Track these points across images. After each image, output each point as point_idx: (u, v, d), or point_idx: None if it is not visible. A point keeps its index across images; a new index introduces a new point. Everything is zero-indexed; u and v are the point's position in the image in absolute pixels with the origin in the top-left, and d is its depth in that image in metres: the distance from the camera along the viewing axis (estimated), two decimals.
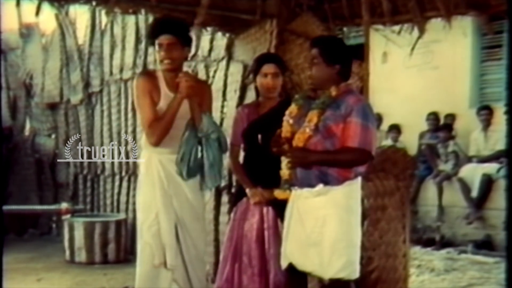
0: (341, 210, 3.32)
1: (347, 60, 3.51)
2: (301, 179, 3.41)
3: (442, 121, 9.04)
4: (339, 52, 3.46)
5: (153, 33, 3.78)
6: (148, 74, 3.89)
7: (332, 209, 3.31)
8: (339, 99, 3.36)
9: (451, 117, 8.94)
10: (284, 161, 3.48)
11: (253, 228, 3.88)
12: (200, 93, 3.77)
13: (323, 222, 3.32)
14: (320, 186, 3.35)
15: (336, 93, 3.39)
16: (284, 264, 3.55)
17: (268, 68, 3.91)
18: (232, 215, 4.02)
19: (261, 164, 3.86)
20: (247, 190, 3.89)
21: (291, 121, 3.51)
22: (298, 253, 3.43)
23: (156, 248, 3.71)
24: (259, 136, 3.89)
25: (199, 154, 3.74)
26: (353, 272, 3.37)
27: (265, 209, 3.87)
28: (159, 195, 3.71)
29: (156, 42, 3.72)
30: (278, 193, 3.57)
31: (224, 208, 5.32)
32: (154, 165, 3.74)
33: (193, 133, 3.70)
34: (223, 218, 5.25)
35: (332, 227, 3.30)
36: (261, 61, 4.03)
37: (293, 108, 3.56)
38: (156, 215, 3.71)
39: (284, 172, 3.49)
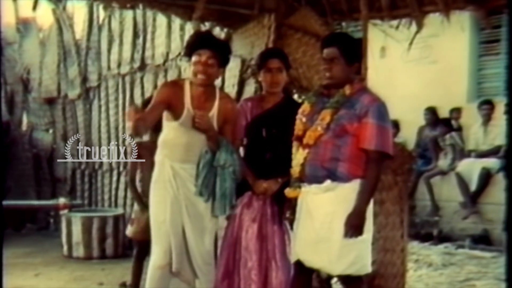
0: (350, 206, 3.30)
1: (362, 57, 3.55)
2: (310, 176, 3.40)
3: (440, 116, 9.02)
4: (358, 51, 3.48)
5: (195, 46, 3.70)
6: (174, 85, 3.84)
7: (340, 205, 3.30)
8: (353, 98, 3.35)
9: (457, 110, 8.86)
10: (295, 159, 3.48)
11: (254, 223, 3.86)
12: (225, 112, 3.77)
13: (331, 218, 3.31)
14: (328, 182, 3.34)
15: (350, 91, 3.37)
16: (292, 260, 3.55)
17: (272, 63, 3.89)
18: (234, 210, 3.99)
19: (264, 158, 3.85)
20: (251, 182, 3.87)
21: (304, 119, 3.49)
22: (307, 249, 3.41)
23: (163, 250, 3.73)
24: (263, 130, 3.88)
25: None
26: (363, 267, 3.37)
27: (266, 204, 3.85)
28: (169, 199, 3.71)
29: (195, 55, 3.65)
30: (289, 192, 3.56)
31: None
32: (166, 169, 3.75)
33: (212, 159, 3.70)
34: None
35: (340, 223, 3.28)
36: (265, 56, 4.02)
37: (306, 106, 3.54)
38: (165, 218, 3.73)
39: (295, 170, 3.48)
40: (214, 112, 3.75)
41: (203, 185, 3.70)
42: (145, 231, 4.60)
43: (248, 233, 3.86)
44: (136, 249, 4.85)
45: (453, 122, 8.75)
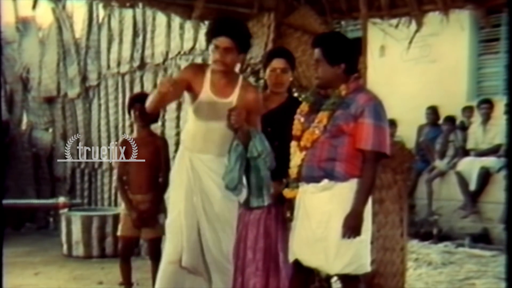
0: (347, 205, 3.29)
1: (352, 57, 3.47)
2: (307, 176, 3.40)
3: (440, 115, 9.02)
4: (343, 51, 3.41)
5: (213, 33, 3.63)
6: (199, 68, 3.80)
7: (337, 204, 3.30)
8: (349, 98, 3.33)
9: (469, 109, 8.80)
10: (293, 160, 3.48)
11: (259, 223, 3.85)
12: (248, 102, 3.67)
13: (328, 217, 3.31)
14: (326, 181, 3.34)
15: (345, 92, 3.35)
16: (290, 259, 3.54)
17: (277, 63, 3.88)
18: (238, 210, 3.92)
19: None
20: None
21: (302, 119, 3.49)
22: (304, 248, 3.41)
23: (174, 244, 3.68)
24: (269, 130, 3.84)
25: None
26: (361, 266, 3.36)
27: (271, 204, 3.79)
28: (184, 192, 3.67)
29: (213, 42, 3.58)
30: (287, 192, 3.57)
31: None
32: (184, 162, 3.71)
33: (244, 151, 3.65)
34: None
35: (337, 222, 3.28)
36: (271, 55, 4.01)
37: (304, 106, 3.54)
38: (179, 211, 3.68)
39: (293, 171, 3.48)
40: (233, 99, 3.65)
41: (239, 179, 3.63)
42: (131, 228, 4.60)
43: (253, 233, 3.85)
44: (121, 247, 4.80)
45: (465, 120, 8.70)
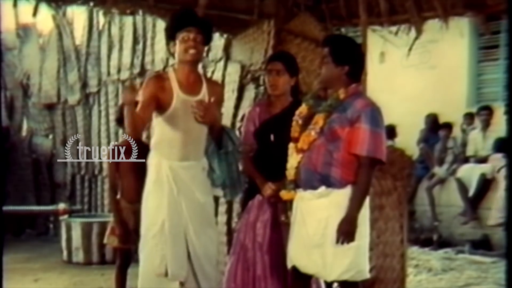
0: (344, 212, 3.28)
1: (357, 61, 3.46)
2: (305, 180, 3.39)
3: (440, 121, 9.02)
4: (349, 53, 3.41)
5: (180, 24, 3.60)
6: (159, 77, 3.72)
7: (334, 210, 3.29)
8: (347, 102, 3.33)
9: (470, 116, 8.74)
10: (290, 162, 3.48)
11: (266, 227, 3.84)
12: (216, 96, 3.70)
13: (325, 224, 3.30)
14: (323, 188, 3.33)
15: (344, 95, 3.35)
16: (288, 266, 3.53)
17: (272, 65, 3.92)
18: (245, 214, 3.94)
19: (273, 163, 3.79)
20: (260, 186, 3.84)
21: (300, 121, 3.49)
22: (301, 255, 3.40)
23: (159, 257, 3.58)
24: (272, 135, 3.86)
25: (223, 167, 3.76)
26: (359, 273, 3.34)
27: (278, 207, 3.79)
28: (166, 202, 3.59)
29: (183, 32, 3.56)
30: (284, 194, 3.55)
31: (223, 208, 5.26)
32: (164, 171, 3.62)
33: (217, 148, 3.70)
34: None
35: (334, 229, 3.26)
36: (269, 58, 4.10)
37: (303, 108, 3.54)
38: (162, 222, 3.58)
39: (289, 172, 3.48)
40: (203, 95, 3.65)
41: (227, 175, 3.73)
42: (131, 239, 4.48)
43: (261, 237, 3.84)
44: (120, 258, 4.70)
45: (465, 127, 8.68)
